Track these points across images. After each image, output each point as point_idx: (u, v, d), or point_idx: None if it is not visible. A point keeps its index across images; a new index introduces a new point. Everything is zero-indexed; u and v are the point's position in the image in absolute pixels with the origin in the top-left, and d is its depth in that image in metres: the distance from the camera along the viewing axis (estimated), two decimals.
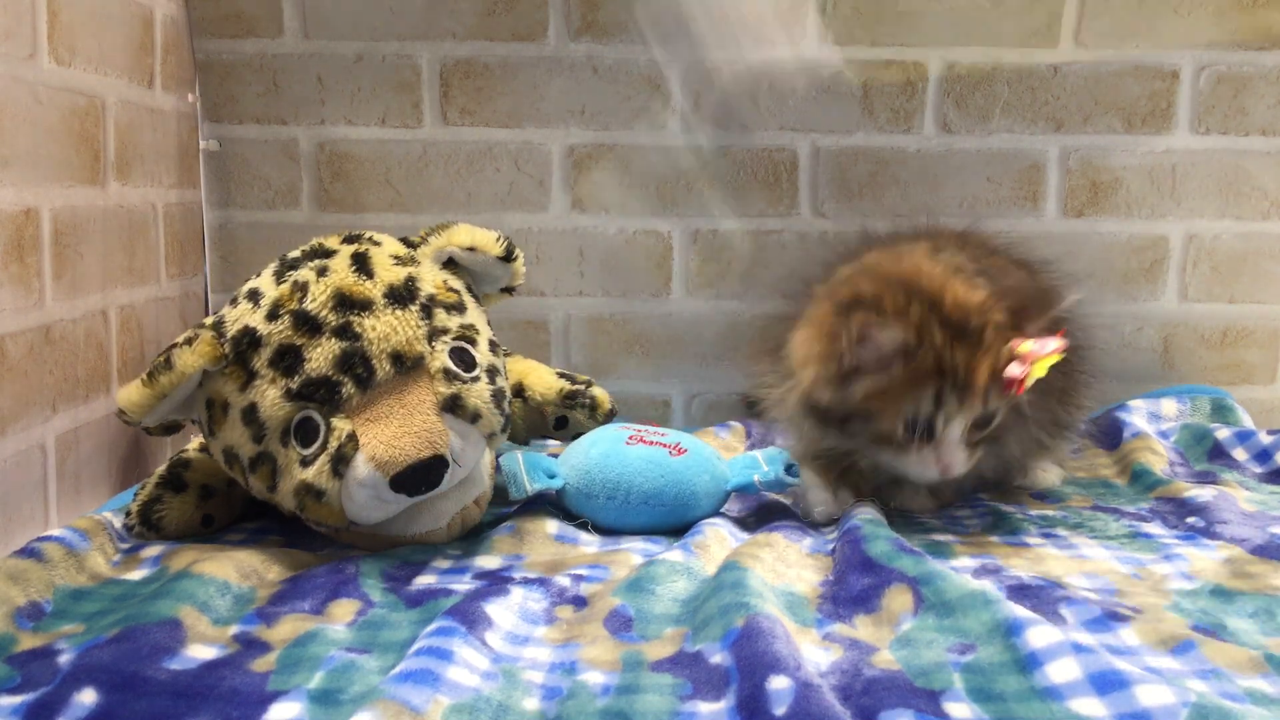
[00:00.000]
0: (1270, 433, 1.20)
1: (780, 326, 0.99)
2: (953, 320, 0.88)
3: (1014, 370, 0.86)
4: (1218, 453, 1.20)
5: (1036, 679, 0.62)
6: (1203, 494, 1.00)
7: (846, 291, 0.92)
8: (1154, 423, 1.26)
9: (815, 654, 0.68)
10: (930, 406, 0.87)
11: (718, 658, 0.66)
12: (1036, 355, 0.86)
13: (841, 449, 0.97)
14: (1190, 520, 0.95)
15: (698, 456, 0.95)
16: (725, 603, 0.70)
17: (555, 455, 0.99)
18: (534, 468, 0.95)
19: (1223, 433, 1.21)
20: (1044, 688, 0.61)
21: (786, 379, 0.96)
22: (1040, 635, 0.65)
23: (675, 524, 0.93)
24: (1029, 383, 0.86)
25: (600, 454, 0.94)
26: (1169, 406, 1.30)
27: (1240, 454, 1.19)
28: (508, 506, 0.97)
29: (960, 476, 0.91)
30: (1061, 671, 0.62)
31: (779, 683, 0.60)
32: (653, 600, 0.75)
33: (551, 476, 0.95)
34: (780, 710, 0.58)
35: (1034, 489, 1.09)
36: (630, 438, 0.95)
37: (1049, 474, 1.11)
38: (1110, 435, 1.24)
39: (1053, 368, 1.02)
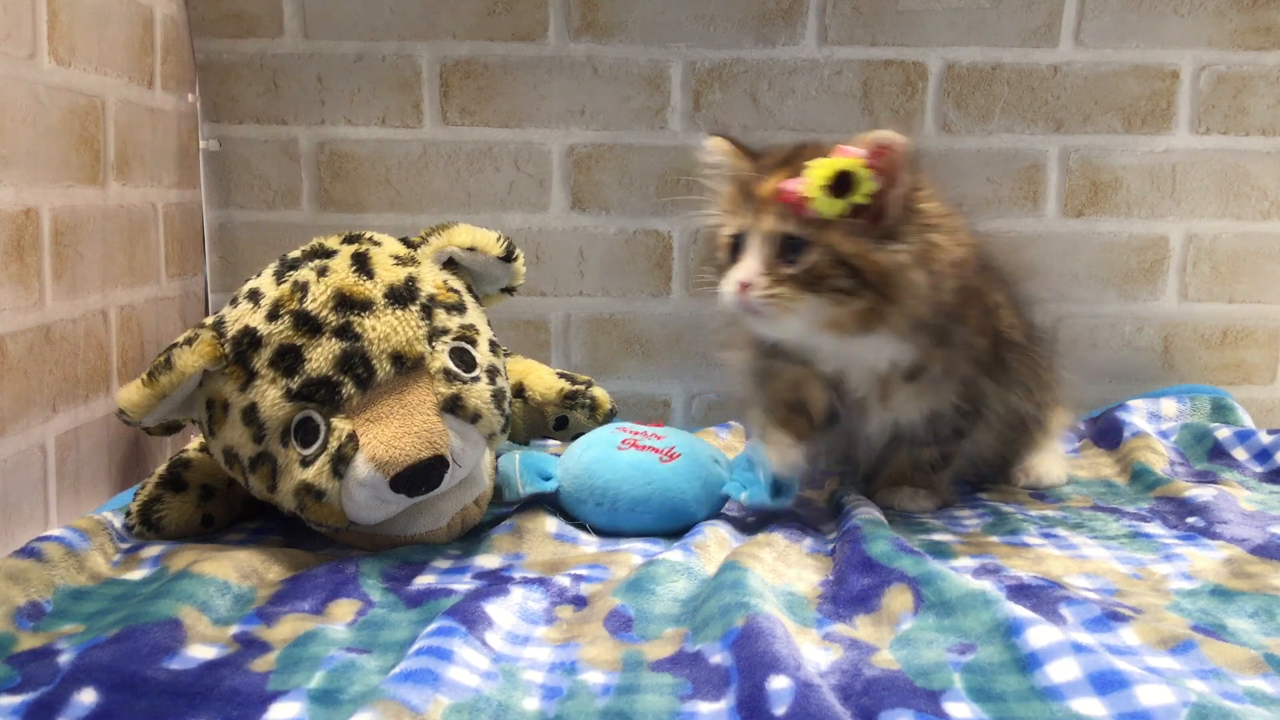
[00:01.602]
0: (1270, 432, 1.20)
1: None
2: (789, 156, 0.87)
3: (790, 182, 0.83)
4: (1218, 452, 1.20)
5: (1037, 679, 0.62)
6: (1203, 493, 1.00)
7: None
8: (1154, 422, 1.26)
9: (815, 654, 0.68)
10: (735, 224, 0.88)
11: (718, 658, 0.66)
12: (817, 167, 0.82)
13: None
14: (1190, 520, 0.95)
15: (691, 463, 0.94)
16: (725, 603, 0.70)
17: (559, 454, 0.99)
18: (528, 470, 0.94)
19: (1223, 432, 1.21)
20: (1044, 688, 0.61)
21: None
22: (1040, 635, 0.65)
23: (666, 529, 0.93)
24: (817, 201, 0.82)
25: (591, 458, 0.94)
26: (1169, 406, 1.30)
27: (1240, 453, 1.19)
28: (507, 506, 0.97)
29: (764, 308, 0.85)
30: (1061, 671, 0.62)
31: (779, 682, 0.60)
32: (653, 600, 0.75)
33: (547, 479, 0.95)
34: (780, 710, 0.58)
35: (1037, 488, 1.09)
36: (623, 442, 0.95)
37: (1053, 472, 1.10)
38: (1110, 435, 1.24)
39: (1011, 353, 0.98)
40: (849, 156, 0.82)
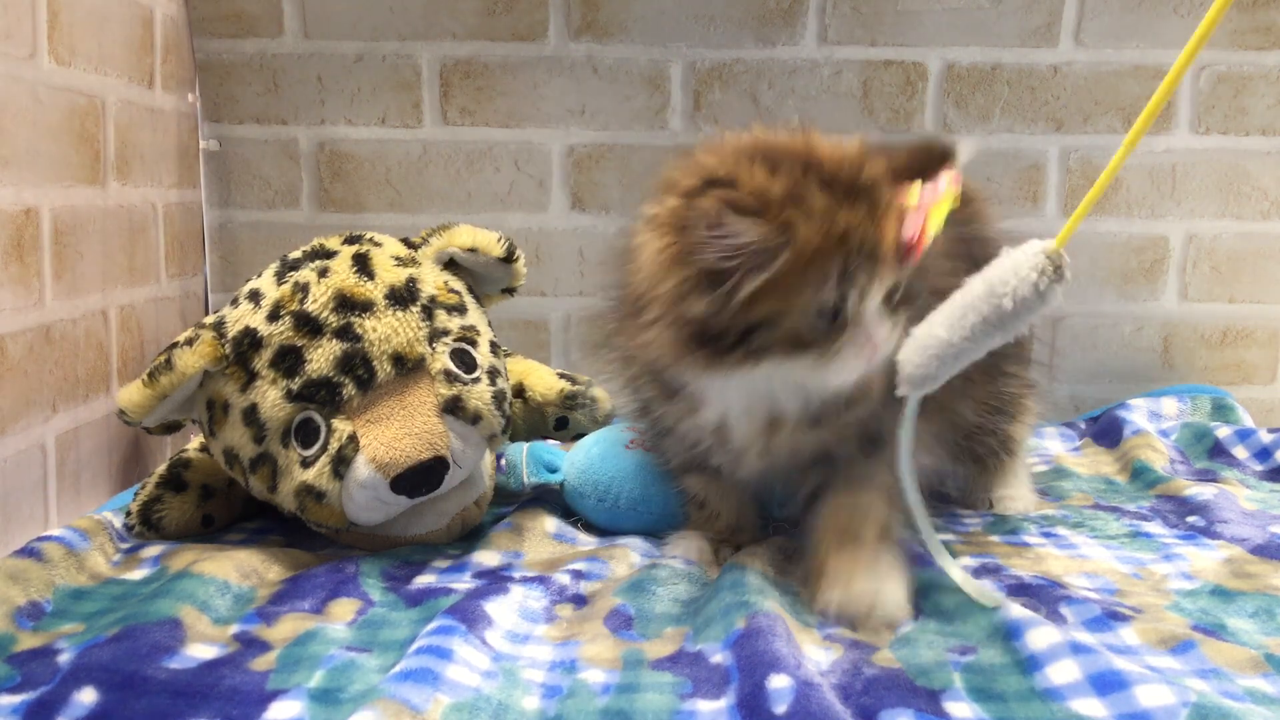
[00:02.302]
0: (1271, 431, 1.20)
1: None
2: (837, 179, 0.69)
3: (910, 228, 0.70)
4: (1218, 451, 1.20)
5: (1037, 679, 0.62)
6: (1203, 492, 1.00)
7: (691, 172, 0.71)
8: (1154, 421, 1.26)
9: (816, 653, 0.68)
10: (838, 288, 0.69)
11: (718, 657, 0.66)
12: (928, 204, 0.70)
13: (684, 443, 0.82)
14: (1190, 519, 0.95)
15: None
16: (726, 603, 0.70)
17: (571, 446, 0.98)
18: (535, 461, 0.94)
19: (1223, 431, 1.21)
20: (1044, 688, 0.61)
21: (638, 336, 0.73)
22: (1040, 637, 0.65)
23: (666, 530, 0.92)
24: (928, 239, 0.70)
25: (599, 454, 0.94)
26: (1169, 405, 1.30)
27: (1240, 452, 1.19)
28: (507, 506, 0.97)
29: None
30: (1062, 672, 0.62)
31: (779, 681, 0.60)
32: (653, 600, 0.76)
33: (553, 471, 0.95)
34: (780, 709, 0.58)
35: (1002, 516, 0.99)
36: (632, 441, 0.95)
37: (1017, 501, 1.00)
38: (1111, 433, 1.24)
39: (978, 370, 0.82)
40: (955, 186, 0.72)
